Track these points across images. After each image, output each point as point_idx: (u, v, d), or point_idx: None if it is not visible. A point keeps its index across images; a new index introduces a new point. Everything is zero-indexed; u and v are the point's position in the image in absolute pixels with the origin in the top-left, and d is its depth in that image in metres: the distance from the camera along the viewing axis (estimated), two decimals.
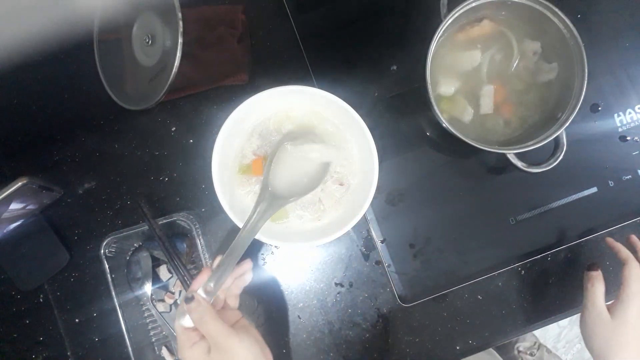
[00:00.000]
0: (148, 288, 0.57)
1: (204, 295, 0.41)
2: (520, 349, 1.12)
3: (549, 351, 1.12)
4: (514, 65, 0.57)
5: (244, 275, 0.46)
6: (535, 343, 1.12)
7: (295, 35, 0.62)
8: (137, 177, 0.61)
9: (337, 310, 0.59)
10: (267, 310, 0.59)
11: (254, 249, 0.60)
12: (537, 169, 0.55)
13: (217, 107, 0.62)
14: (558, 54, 0.55)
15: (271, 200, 0.47)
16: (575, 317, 0.56)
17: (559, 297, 0.60)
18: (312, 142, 0.51)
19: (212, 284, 0.42)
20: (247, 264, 0.46)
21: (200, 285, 0.41)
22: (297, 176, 0.50)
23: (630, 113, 0.61)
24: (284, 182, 0.49)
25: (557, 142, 0.54)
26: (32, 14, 0.42)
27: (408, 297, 0.59)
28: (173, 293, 0.59)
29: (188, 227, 0.57)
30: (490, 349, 0.85)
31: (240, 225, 0.52)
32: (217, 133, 0.52)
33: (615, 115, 0.61)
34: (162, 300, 0.59)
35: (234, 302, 0.45)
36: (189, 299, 0.40)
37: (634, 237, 0.54)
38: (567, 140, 0.54)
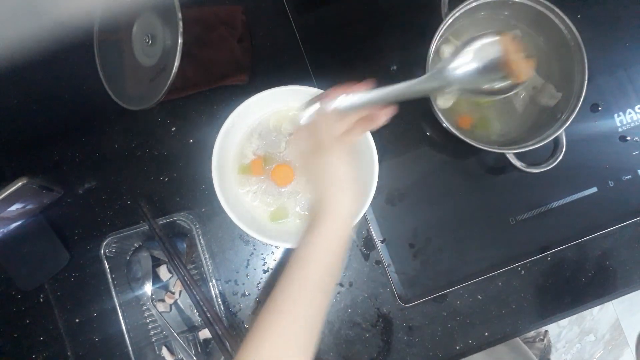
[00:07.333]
0: (148, 288, 0.57)
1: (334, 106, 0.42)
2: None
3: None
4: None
5: (376, 120, 0.44)
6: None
7: (295, 35, 0.62)
8: (137, 177, 0.61)
9: (337, 310, 0.59)
10: None
11: (254, 249, 0.60)
12: (537, 169, 0.55)
13: (217, 107, 0.62)
14: (558, 54, 0.55)
15: (440, 78, 0.45)
16: (575, 317, 0.56)
17: (559, 297, 0.60)
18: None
19: (342, 105, 0.42)
20: (390, 110, 0.44)
21: (334, 97, 0.42)
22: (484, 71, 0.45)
23: (630, 113, 0.61)
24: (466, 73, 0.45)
25: (556, 142, 0.54)
26: (32, 14, 0.42)
27: (408, 296, 0.59)
28: (173, 293, 0.59)
29: (188, 227, 0.58)
30: (517, 340, 0.84)
31: (239, 224, 0.52)
32: (217, 133, 0.52)
33: (615, 115, 0.61)
34: (162, 300, 0.59)
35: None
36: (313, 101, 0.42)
37: None
38: (566, 140, 0.54)
